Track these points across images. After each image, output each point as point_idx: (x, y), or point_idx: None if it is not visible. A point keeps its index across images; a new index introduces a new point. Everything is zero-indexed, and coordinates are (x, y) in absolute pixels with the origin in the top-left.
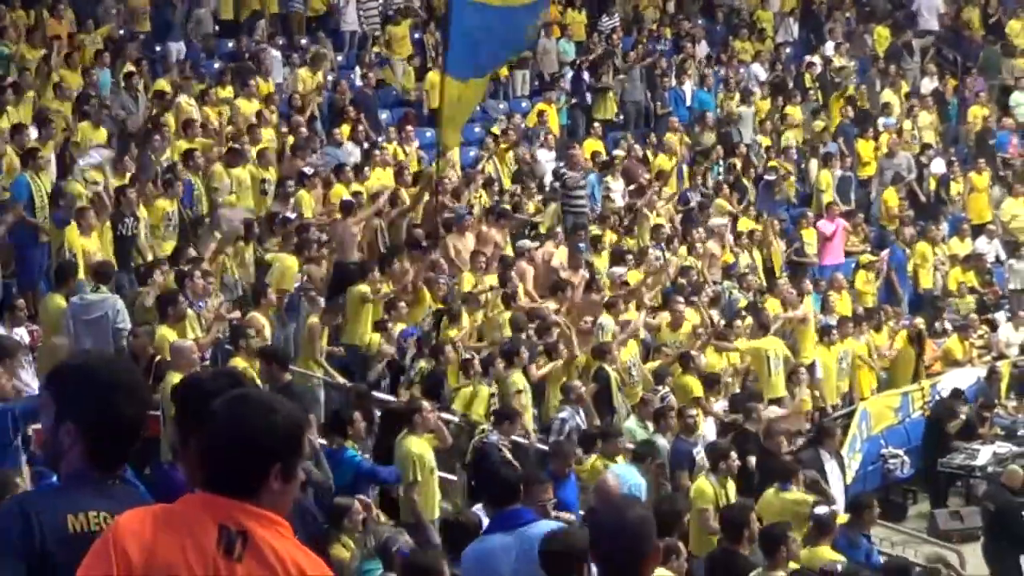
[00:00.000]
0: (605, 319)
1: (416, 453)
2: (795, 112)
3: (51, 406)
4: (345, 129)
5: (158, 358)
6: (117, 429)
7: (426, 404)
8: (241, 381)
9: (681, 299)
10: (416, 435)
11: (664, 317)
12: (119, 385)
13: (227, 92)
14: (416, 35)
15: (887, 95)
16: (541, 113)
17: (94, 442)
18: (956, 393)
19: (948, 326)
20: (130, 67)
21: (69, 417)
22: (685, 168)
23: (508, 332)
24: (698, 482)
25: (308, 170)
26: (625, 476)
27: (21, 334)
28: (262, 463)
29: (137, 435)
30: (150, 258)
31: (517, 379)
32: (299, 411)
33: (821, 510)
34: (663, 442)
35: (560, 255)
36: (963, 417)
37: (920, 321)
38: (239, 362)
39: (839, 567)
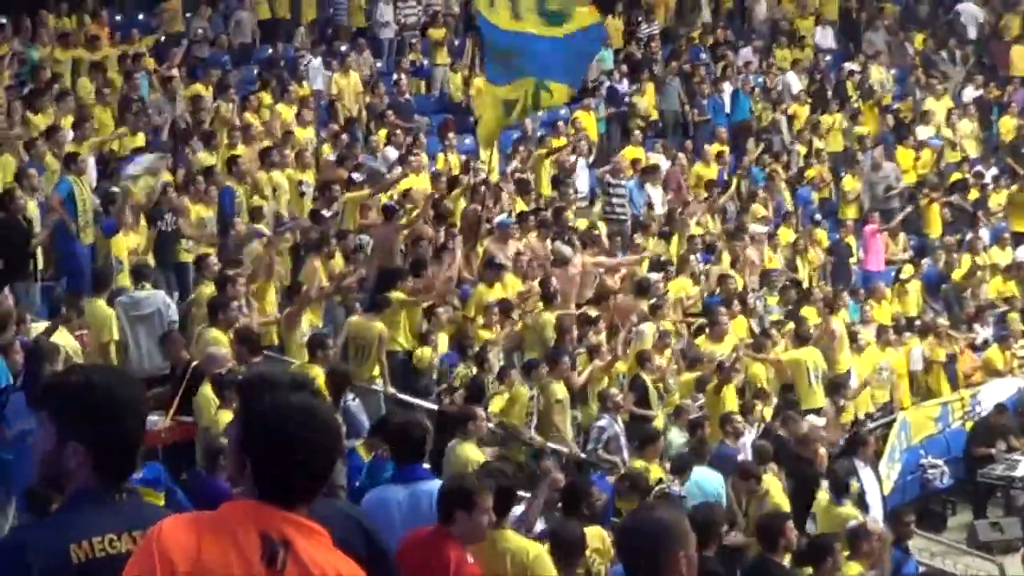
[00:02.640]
0: (644, 326)
1: (473, 460)
2: (826, 120)
3: (51, 426)
4: (382, 135)
5: (195, 363)
6: (126, 444)
7: (480, 412)
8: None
9: (724, 310)
10: (470, 442)
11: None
12: (125, 400)
13: (267, 97)
14: (456, 42)
15: (929, 103)
16: (575, 120)
17: (104, 459)
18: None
19: (989, 335)
20: (173, 71)
21: (76, 437)
22: (724, 176)
23: (549, 333)
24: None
25: (357, 176)
26: (705, 483)
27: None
28: (320, 478)
29: (140, 446)
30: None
31: (557, 388)
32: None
33: (851, 524)
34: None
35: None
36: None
37: (944, 321)
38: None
39: None
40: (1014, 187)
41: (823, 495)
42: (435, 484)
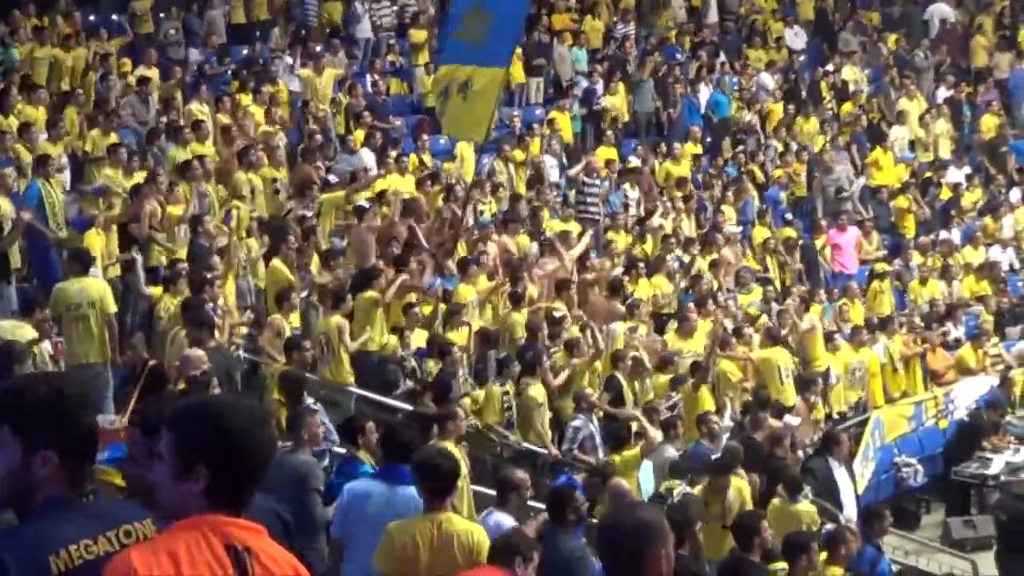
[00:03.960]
0: (615, 325)
1: None
2: (800, 122)
3: (14, 439)
4: (359, 135)
5: (152, 362)
6: (91, 444)
7: (460, 412)
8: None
9: (693, 308)
10: (448, 441)
11: (672, 326)
12: (83, 401)
13: (246, 99)
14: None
15: (903, 103)
16: (552, 121)
17: (75, 463)
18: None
19: (961, 334)
20: (144, 72)
21: (45, 445)
22: (700, 176)
23: (519, 333)
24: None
25: (332, 178)
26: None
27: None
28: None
29: (98, 444)
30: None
31: (536, 393)
32: None
33: (829, 527)
34: (672, 452)
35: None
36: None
37: (918, 320)
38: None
39: None
40: (989, 219)
41: (775, 500)
42: (414, 489)
